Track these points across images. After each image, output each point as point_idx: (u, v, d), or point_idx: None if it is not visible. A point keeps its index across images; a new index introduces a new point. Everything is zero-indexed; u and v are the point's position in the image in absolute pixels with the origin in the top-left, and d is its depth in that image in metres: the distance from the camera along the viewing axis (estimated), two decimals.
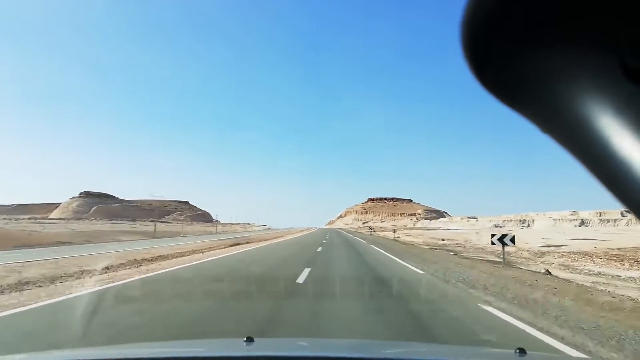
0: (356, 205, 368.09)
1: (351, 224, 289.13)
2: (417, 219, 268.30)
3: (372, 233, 69.06)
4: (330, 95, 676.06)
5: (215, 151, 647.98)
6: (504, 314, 5.71)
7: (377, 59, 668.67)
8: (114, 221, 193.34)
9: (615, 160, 0.35)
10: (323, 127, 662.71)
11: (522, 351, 1.86)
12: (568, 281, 10.66)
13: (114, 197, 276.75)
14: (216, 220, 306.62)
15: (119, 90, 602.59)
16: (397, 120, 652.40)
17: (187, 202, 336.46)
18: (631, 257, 23.51)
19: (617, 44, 0.36)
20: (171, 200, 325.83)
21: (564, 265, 19.93)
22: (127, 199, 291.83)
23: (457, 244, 41.02)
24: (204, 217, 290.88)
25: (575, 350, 4.21)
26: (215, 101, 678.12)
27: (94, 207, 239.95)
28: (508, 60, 0.41)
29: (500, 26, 0.39)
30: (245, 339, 1.99)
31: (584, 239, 45.86)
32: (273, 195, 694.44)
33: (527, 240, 43.67)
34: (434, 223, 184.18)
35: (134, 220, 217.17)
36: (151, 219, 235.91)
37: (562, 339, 4.56)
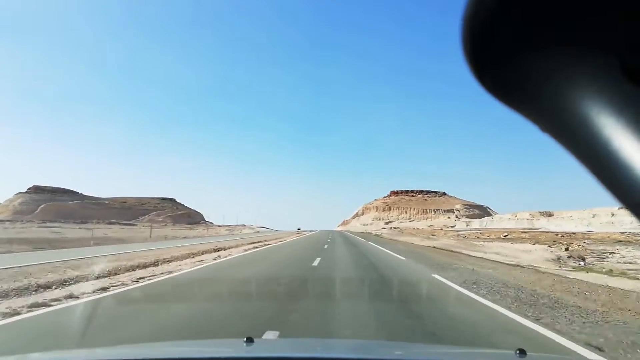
0: (376, 200, 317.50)
1: (371, 223, 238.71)
2: (456, 216, 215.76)
3: None
4: (341, 94, 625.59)
5: (215, 149, 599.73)
6: None
7: (394, 58, 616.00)
8: (50, 223, 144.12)
9: (615, 160, 0.35)
10: (333, 126, 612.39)
11: (522, 352, 1.90)
12: None
13: (76, 193, 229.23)
14: (207, 222, 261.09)
15: (115, 87, 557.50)
16: (414, 119, 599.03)
17: (172, 200, 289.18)
18: None
19: (616, 44, 0.37)
20: (152, 198, 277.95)
21: None
22: (95, 196, 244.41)
23: None
24: (189, 218, 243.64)
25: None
26: (219, 99, 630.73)
27: (42, 205, 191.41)
28: (508, 60, 0.41)
29: (500, 26, 0.40)
30: (245, 339, 1.98)
31: None
32: (277, 195, 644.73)
33: None
34: (498, 221, 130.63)
35: (84, 222, 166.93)
36: (113, 219, 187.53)
37: None
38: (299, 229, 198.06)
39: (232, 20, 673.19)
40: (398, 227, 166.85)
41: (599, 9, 0.36)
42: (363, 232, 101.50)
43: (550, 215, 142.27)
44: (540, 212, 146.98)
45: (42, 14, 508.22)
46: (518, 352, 1.90)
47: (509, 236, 47.98)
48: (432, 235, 62.84)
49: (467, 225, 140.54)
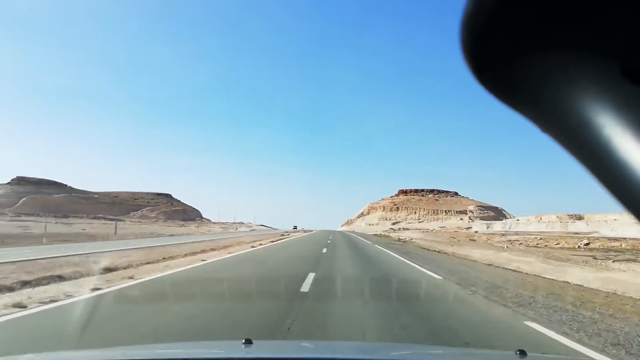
0: (383, 199, 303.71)
1: (377, 223, 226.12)
2: (469, 218, 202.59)
3: None
4: (346, 91, 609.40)
5: (216, 146, 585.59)
6: None
7: (402, 56, 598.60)
8: (26, 217, 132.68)
9: (615, 160, 0.35)
10: (337, 124, 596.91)
11: (522, 353, 1.90)
12: None
13: (64, 185, 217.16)
14: (203, 219, 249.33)
15: (113, 82, 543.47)
16: (422, 118, 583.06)
17: (168, 196, 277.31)
18: None
19: (617, 45, 0.37)
20: (146, 193, 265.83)
21: None
22: (86, 190, 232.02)
23: None
24: (184, 214, 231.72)
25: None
26: (220, 96, 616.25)
27: (24, 198, 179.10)
28: (508, 61, 0.41)
29: (501, 27, 0.39)
30: (243, 341, 1.97)
31: None
32: (279, 193, 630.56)
33: None
34: (525, 224, 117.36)
35: (66, 216, 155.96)
36: (102, 215, 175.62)
37: None
38: (295, 227, 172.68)
39: (232, 14, 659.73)
40: (408, 228, 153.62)
41: (599, 10, 0.36)
42: (377, 235, 73.69)
43: (580, 218, 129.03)
44: (569, 215, 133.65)
45: (40, 7, 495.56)
46: (518, 352, 1.88)
47: (590, 245, 34.37)
48: (471, 239, 49.01)
49: (487, 228, 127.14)
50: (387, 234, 79.31)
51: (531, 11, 0.38)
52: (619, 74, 0.37)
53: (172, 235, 51.25)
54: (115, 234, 48.56)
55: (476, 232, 65.03)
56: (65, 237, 33.65)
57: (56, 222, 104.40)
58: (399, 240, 47.20)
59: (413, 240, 46.19)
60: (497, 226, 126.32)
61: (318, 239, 42.23)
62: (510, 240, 42.87)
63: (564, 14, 0.37)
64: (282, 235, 55.99)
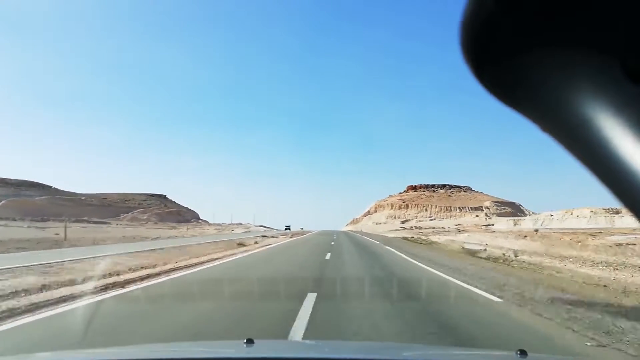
0: (391, 196, 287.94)
1: (385, 222, 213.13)
2: (486, 214, 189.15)
3: None
4: (349, 88, 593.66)
5: (215, 146, 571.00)
6: None
7: (406, 51, 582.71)
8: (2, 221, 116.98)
9: (615, 159, 0.35)
10: (340, 121, 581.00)
11: (523, 352, 1.91)
12: None
13: (48, 187, 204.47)
14: (200, 221, 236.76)
15: (109, 83, 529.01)
16: (426, 114, 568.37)
17: (162, 197, 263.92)
18: None
19: (617, 44, 0.37)
20: (138, 194, 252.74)
21: None
22: (73, 191, 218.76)
23: None
24: (179, 216, 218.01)
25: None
26: (221, 95, 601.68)
27: (3, 201, 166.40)
28: (507, 60, 0.42)
29: (501, 26, 0.40)
30: (245, 340, 1.98)
31: None
32: (281, 192, 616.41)
33: None
34: (559, 220, 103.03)
35: (44, 220, 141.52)
36: (88, 217, 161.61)
37: None
38: (287, 227, 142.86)
39: (232, 13, 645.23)
40: (419, 227, 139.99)
41: (600, 9, 0.36)
42: (406, 239, 44.66)
43: (618, 212, 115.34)
44: (604, 209, 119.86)
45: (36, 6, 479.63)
46: (519, 352, 1.89)
47: None
48: (616, 244, 34.66)
49: (515, 225, 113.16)
50: (423, 238, 47.75)
51: (532, 10, 0.38)
52: (619, 73, 0.37)
53: (157, 238, 43.76)
54: (65, 239, 36.52)
55: (536, 231, 52.17)
56: (24, 243, 29.20)
57: (29, 227, 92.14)
58: (478, 256, 20.33)
59: (520, 255, 19.89)
60: (527, 223, 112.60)
61: (324, 242, 23.86)
62: (620, 244, 28.94)
63: (565, 13, 0.37)
64: (240, 245, 28.33)
